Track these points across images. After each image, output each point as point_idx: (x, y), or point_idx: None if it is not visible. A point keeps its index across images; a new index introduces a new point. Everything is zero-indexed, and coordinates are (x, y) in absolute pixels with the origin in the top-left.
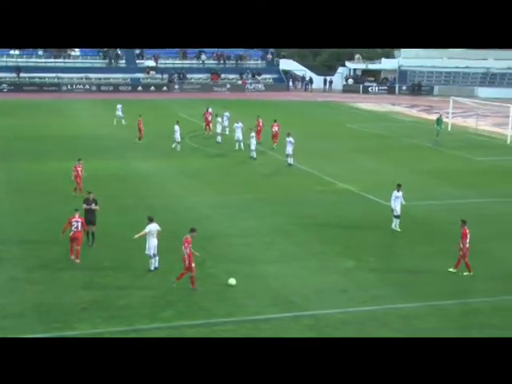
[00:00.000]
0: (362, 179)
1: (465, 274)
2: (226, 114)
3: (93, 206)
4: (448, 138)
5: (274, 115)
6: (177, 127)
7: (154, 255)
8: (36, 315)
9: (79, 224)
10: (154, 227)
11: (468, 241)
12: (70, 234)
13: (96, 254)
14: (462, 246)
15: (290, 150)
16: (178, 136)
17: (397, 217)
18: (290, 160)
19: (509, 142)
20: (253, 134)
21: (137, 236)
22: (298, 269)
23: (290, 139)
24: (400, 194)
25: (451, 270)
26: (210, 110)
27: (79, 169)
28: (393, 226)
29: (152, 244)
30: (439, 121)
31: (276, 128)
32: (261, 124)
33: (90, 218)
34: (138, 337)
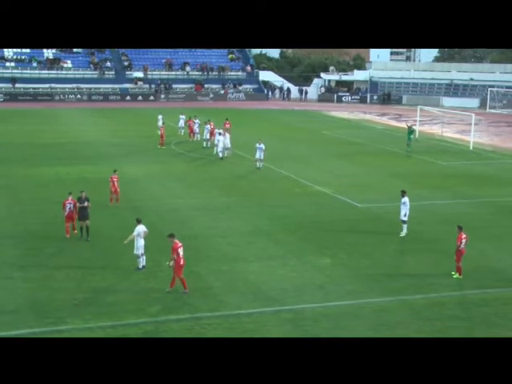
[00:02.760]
0: (337, 182)
1: (454, 276)
2: (197, 121)
3: (85, 204)
4: (415, 144)
5: (253, 122)
6: (227, 134)
7: (142, 254)
8: (30, 311)
9: (72, 205)
10: (141, 229)
11: (463, 245)
12: (65, 214)
13: (87, 254)
14: (456, 249)
15: (261, 155)
16: (228, 142)
17: (402, 221)
18: (260, 164)
19: (471, 147)
20: (220, 137)
21: (126, 241)
22: (278, 266)
23: (262, 146)
24: (404, 199)
25: (455, 275)
26: (184, 117)
27: (115, 180)
28: (403, 231)
29: (140, 244)
30: (410, 131)
31: (228, 125)
32: (212, 126)
33: (83, 214)
34: (126, 333)
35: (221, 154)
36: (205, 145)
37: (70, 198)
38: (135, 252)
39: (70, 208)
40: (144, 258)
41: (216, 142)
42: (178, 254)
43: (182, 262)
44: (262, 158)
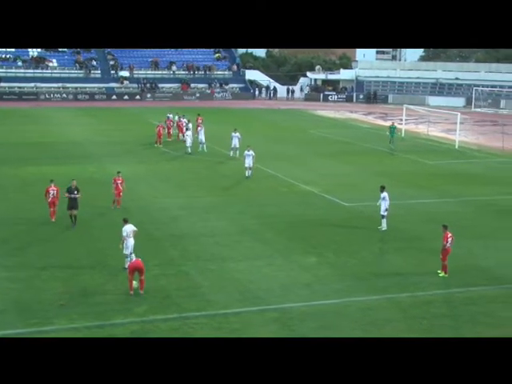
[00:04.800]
0: (323, 181)
1: (440, 274)
2: (184, 120)
3: (76, 194)
4: (401, 143)
5: (240, 121)
6: (233, 134)
7: (130, 253)
8: (16, 312)
9: (55, 191)
10: (129, 228)
11: (448, 244)
12: (49, 200)
13: (74, 254)
14: (442, 248)
15: (250, 162)
16: (236, 142)
17: (382, 216)
18: (249, 173)
19: (457, 146)
20: (188, 132)
21: (121, 245)
22: (264, 265)
23: (251, 152)
24: (383, 194)
25: (440, 273)
26: (171, 116)
27: (119, 181)
28: (382, 226)
29: (129, 244)
30: (392, 128)
31: (200, 120)
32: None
33: (73, 204)
34: (113, 333)
35: (189, 150)
36: (200, 148)
37: (52, 185)
38: (124, 251)
39: (53, 194)
40: (133, 257)
41: (191, 137)
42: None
43: (132, 260)
44: (251, 165)
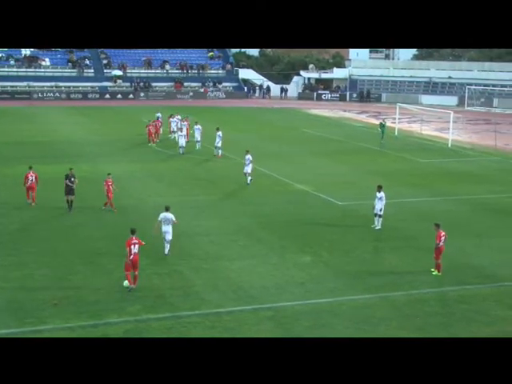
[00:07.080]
0: (317, 180)
1: (433, 273)
2: (174, 119)
3: (72, 181)
4: (395, 142)
5: (234, 120)
6: (218, 133)
7: (165, 241)
8: (10, 311)
9: (33, 177)
10: (163, 216)
11: (441, 243)
12: (27, 185)
13: (67, 253)
14: (435, 247)
15: (249, 168)
16: (217, 140)
17: (379, 216)
18: (248, 179)
19: (450, 145)
20: (181, 133)
21: (153, 231)
22: (259, 264)
23: (249, 157)
24: (380, 194)
25: (434, 272)
26: (161, 116)
27: (109, 183)
28: (376, 224)
29: (162, 229)
30: (382, 126)
31: (173, 119)
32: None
33: (69, 190)
34: (107, 332)
35: (181, 150)
36: (197, 147)
37: (31, 172)
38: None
39: (31, 180)
40: (166, 245)
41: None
42: (129, 249)
43: (130, 257)
44: (248, 171)
